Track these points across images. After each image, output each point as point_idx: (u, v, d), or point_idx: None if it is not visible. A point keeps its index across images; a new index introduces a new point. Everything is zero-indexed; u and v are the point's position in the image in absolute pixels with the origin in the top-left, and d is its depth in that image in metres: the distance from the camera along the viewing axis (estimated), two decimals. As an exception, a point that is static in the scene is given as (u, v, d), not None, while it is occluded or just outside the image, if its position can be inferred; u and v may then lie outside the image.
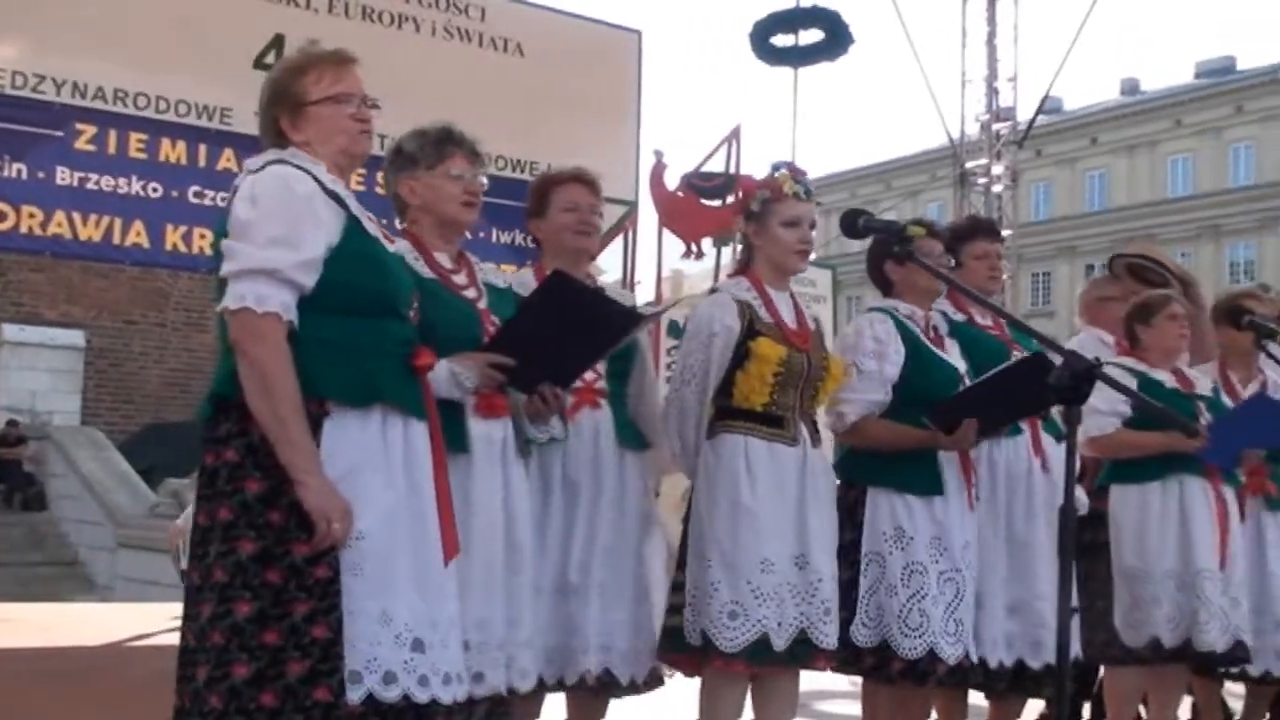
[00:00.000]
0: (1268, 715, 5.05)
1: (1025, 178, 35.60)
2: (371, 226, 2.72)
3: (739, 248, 3.72)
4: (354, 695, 2.45)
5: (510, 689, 3.03)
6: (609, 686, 3.47)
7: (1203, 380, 4.65)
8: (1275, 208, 40.79)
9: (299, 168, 2.63)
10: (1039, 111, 15.77)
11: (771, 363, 3.45)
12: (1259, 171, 41.49)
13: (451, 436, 2.92)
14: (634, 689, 3.52)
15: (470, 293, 3.16)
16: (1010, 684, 3.90)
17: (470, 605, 2.89)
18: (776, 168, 3.65)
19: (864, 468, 3.73)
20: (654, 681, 3.58)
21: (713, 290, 3.65)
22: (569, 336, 3.10)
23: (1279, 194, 40.70)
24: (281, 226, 2.55)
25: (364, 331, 2.62)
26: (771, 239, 3.58)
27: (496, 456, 3.05)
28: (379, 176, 5.56)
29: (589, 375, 3.49)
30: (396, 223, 3.26)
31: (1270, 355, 4.76)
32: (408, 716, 2.52)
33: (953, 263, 4.10)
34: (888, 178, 47.64)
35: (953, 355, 3.89)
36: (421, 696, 2.53)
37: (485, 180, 3.22)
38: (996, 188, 15.41)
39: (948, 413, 3.64)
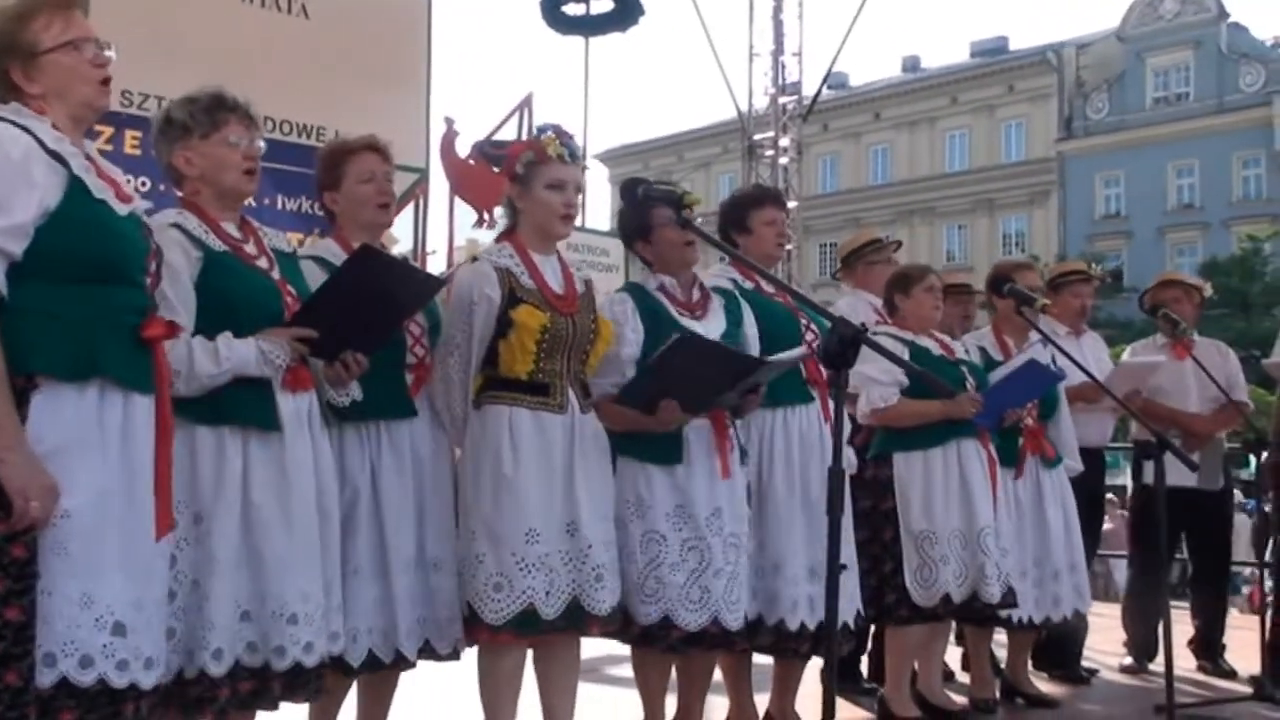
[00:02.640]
0: (1029, 661, 5.38)
1: (812, 151, 36.63)
2: (99, 186, 2.57)
3: (504, 211, 3.67)
4: (47, 678, 2.37)
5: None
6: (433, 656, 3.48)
7: (959, 346, 4.90)
8: (1044, 183, 42.92)
9: (17, 125, 2.48)
10: (823, 85, 16.21)
11: (533, 331, 3.42)
12: (1029, 148, 43.58)
13: (263, 416, 2.90)
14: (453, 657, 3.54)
15: (263, 263, 3.06)
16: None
17: (296, 580, 2.89)
18: (543, 130, 3.59)
19: (613, 437, 3.71)
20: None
21: (474, 259, 3.59)
22: (374, 306, 3.10)
23: (1048, 170, 42.87)
24: None
25: (84, 300, 2.48)
26: (535, 202, 3.53)
27: (305, 430, 3.02)
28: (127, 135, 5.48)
29: (420, 351, 3.49)
30: (174, 192, 3.15)
31: (1029, 321, 5.03)
32: (102, 701, 2.45)
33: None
34: (680, 149, 48.25)
35: (713, 322, 3.87)
36: (119, 681, 2.46)
37: (263, 145, 3.11)
38: (783, 160, 15.78)
39: (632, 397, 3.63)
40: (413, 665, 3.45)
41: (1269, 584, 6.32)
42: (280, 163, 5.52)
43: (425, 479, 3.45)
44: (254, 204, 5.69)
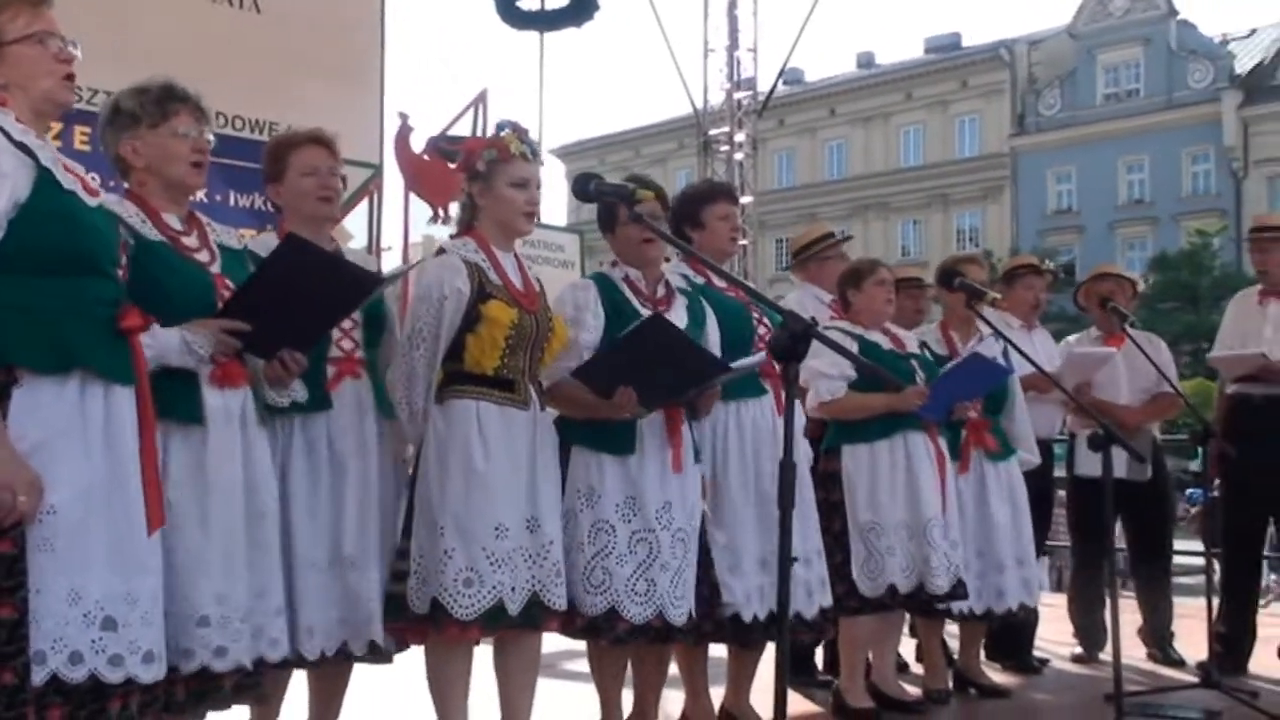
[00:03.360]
0: (982, 651, 5.44)
1: (768, 146, 36.76)
2: (68, 179, 2.57)
3: (461, 207, 3.66)
4: (39, 676, 2.37)
5: (260, 659, 2.97)
6: (379, 655, 3.43)
7: (911, 340, 4.95)
8: (997, 178, 43.26)
9: None
10: (778, 81, 16.22)
11: (503, 326, 3.42)
12: (982, 143, 43.91)
13: (185, 408, 2.83)
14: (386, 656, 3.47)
15: (202, 256, 3.01)
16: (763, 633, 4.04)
17: (209, 581, 2.82)
18: (501, 127, 3.58)
19: (568, 427, 3.73)
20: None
21: (439, 251, 3.58)
22: (307, 300, 3.01)
23: (1001, 165, 43.22)
24: None
25: (59, 293, 2.48)
26: (499, 199, 3.52)
27: (235, 427, 2.95)
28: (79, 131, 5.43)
29: (348, 345, 3.44)
30: (122, 185, 3.12)
31: (978, 314, 5.08)
32: (89, 697, 2.44)
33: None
34: (637, 144, 48.29)
35: (675, 319, 3.85)
36: (113, 676, 2.46)
37: (212, 138, 3.08)
38: (739, 155, 15.77)
39: (592, 373, 3.61)
40: (315, 665, 3.37)
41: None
42: (233, 158, 5.48)
43: (347, 475, 3.38)
44: (206, 200, 5.66)
